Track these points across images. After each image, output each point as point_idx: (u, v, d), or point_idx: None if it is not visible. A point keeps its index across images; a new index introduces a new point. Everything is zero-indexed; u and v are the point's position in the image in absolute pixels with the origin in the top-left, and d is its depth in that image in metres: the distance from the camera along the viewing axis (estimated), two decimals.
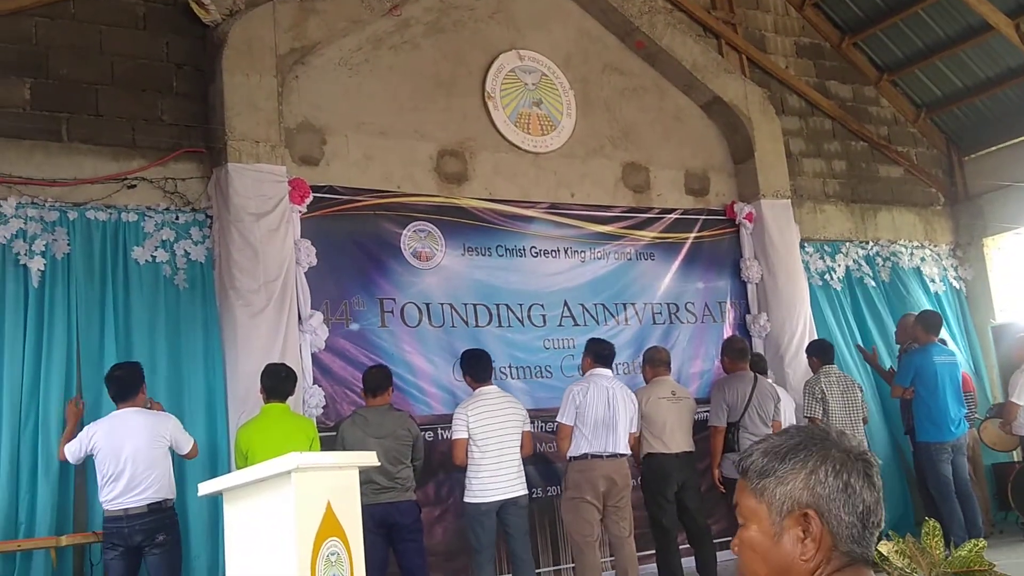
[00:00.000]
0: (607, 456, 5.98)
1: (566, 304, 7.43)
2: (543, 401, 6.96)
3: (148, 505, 5.03)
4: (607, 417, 5.98)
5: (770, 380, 7.27)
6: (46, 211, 5.67)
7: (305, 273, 6.31)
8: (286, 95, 6.50)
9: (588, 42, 8.04)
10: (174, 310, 5.94)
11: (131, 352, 5.67)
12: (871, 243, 9.22)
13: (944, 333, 8.47)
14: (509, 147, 7.42)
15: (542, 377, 7.20)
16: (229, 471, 5.37)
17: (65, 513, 5.43)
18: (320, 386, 6.25)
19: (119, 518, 5.00)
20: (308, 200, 6.41)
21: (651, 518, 6.44)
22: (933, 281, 9.44)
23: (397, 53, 7.10)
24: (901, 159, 9.78)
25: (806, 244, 8.70)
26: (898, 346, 8.32)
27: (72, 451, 5.10)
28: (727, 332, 8.05)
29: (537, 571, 6.33)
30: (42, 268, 5.57)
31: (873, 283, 9.03)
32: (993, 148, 9.73)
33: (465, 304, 7.01)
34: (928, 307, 8.68)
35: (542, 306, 7.32)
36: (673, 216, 8.08)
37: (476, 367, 6.00)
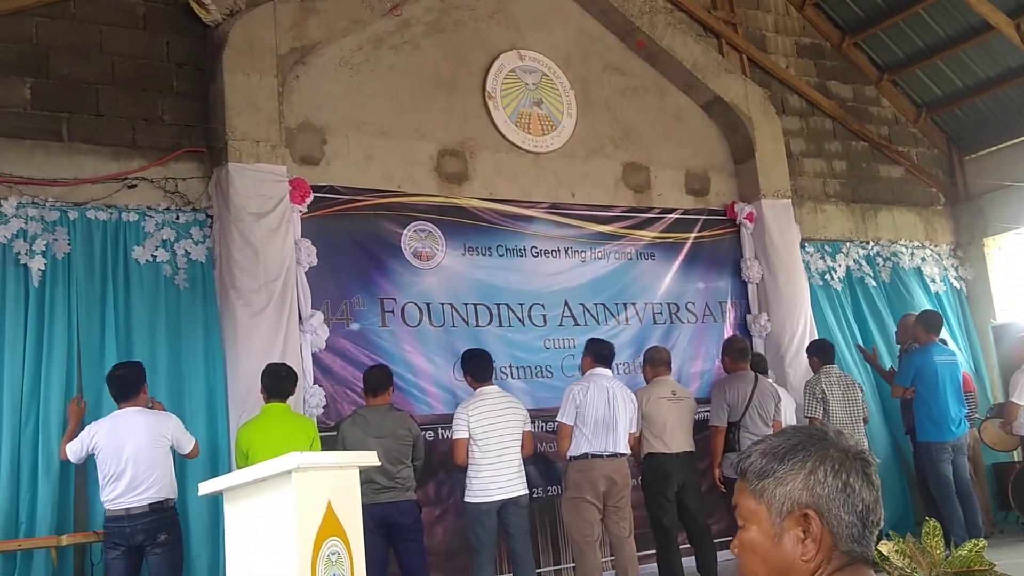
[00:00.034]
0: (607, 456, 5.98)
1: (567, 304, 7.44)
2: (543, 401, 6.96)
3: (150, 505, 5.03)
4: (607, 417, 5.98)
5: (771, 380, 7.27)
6: (47, 211, 5.67)
7: (306, 273, 6.31)
8: (287, 95, 6.51)
9: (588, 42, 8.04)
10: (175, 310, 5.94)
11: (132, 352, 5.67)
12: (872, 243, 9.22)
13: (944, 333, 8.46)
14: (510, 147, 7.42)
15: (542, 377, 7.20)
16: (230, 471, 5.37)
17: (66, 513, 5.44)
18: (320, 386, 6.25)
19: (121, 518, 5.00)
20: (309, 200, 6.42)
21: (651, 518, 6.44)
22: (934, 281, 9.44)
23: (398, 53, 7.10)
24: (902, 159, 9.78)
25: (807, 244, 8.70)
26: (899, 346, 8.32)
27: (73, 450, 5.10)
28: (728, 332, 8.05)
29: (538, 571, 6.34)
30: (43, 268, 5.57)
31: (874, 283, 9.03)
32: (994, 148, 9.73)
33: (466, 304, 7.02)
34: (929, 307, 8.68)
35: (543, 306, 7.33)
36: (674, 216, 8.08)
37: (477, 367, 6.00)
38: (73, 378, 5.58)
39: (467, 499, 5.82)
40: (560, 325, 7.37)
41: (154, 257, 5.93)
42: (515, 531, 5.85)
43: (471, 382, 6.02)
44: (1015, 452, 8.55)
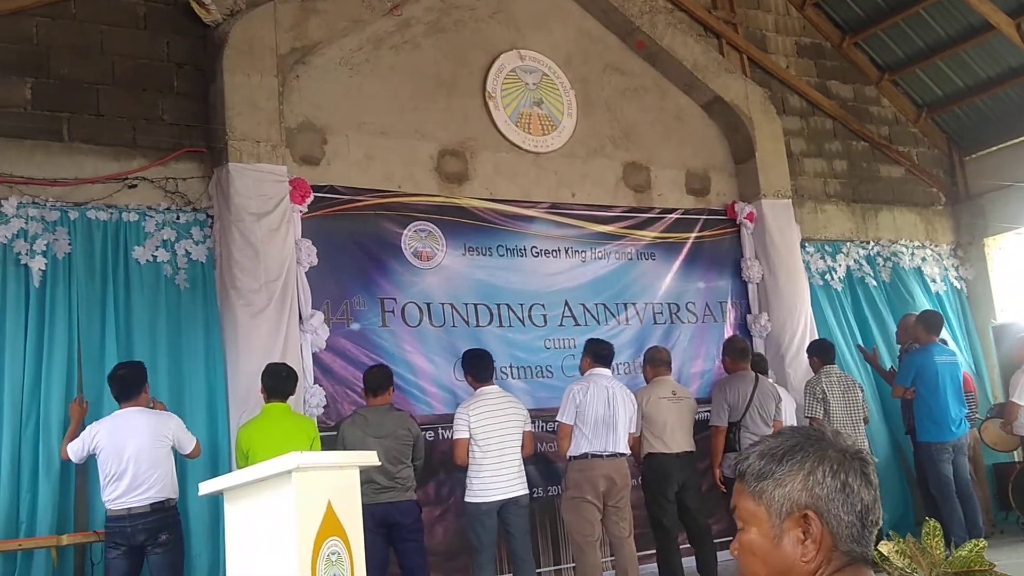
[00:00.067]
0: (607, 456, 5.98)
1: (567, 304, 7.44)
2: (544, 401, 6.96)
3: (151, 504, 5.04)
4: (607, 416, 5.98)
5: (771, 380, 7.27)
6: (47, 211, 5.67)
7: (306, 273, 6.31)
8: (287, 95, 6.51)
9: (589, 42, 8.04)
10: (175, 310, 5.94)
11: (132, 352, 5.68)
12: (872, 243, 9.22)
13: (945, 333, 8.46)
14: (510, 147, 7.42)
15: (543, 377, 7.21)
16: (230, 470, 5.37)
17: (66, 512, 5.44)
18: (321, 386, 6.25)
19: (122, 517, 5.00)
20: (309, 200, 6.42)
21: (651, 518, 6.44)
22: (934, 281, 9.44)
23: (398, 53, 7.10)
24: (902, 159, 9.78)
25: (807, 244, 8.70)
26: (899, 346, 8.32)
27: (75, 450, 5.10)
28: (728, 332, 8.05)
29: (538, 571, 6.34)
30: (43, 268, 5.57)
31: (874, 283, 9.03)
32: (994, 148, 9.73)
33: (466, 304, 7.02)
34: (929, 307, 8.68)
35: (543, 306, 7.33)
36: (674, 216, 8.08)
37: (478, 367, 6.00)
38: (73, 378, 5.58)
39: (467, 499, 5.82)
40: (560, 325, 7.37)
41: (154, 257, 5.93)
42: (515, 531, 5.85)
43: (471, 382, 6.02)
44: (1015, 452, 8.54)
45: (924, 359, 7.50)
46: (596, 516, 5.96)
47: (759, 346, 8.08)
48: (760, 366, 7.23)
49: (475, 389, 5.98)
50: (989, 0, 8.62)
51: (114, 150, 6.01)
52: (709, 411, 6.93)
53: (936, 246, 9.67)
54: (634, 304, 7.75)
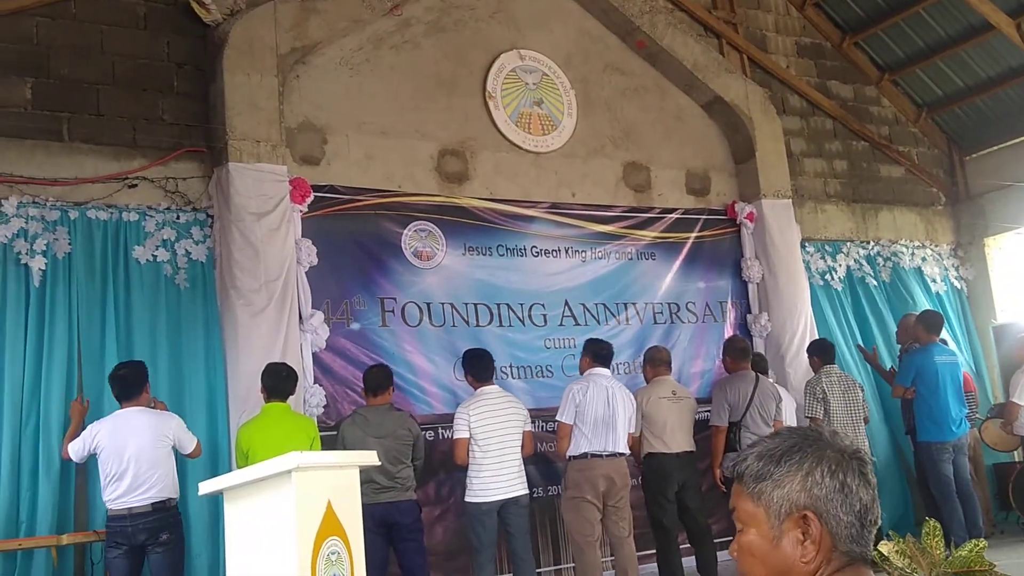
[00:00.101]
0: (607, 455, 5.98)
1: (567, 304, 7.44)
2: (544, 401, 6.96)
3: (152, 504, 5.04)
4: (607, 416, 5.98)
5: (771, 380, 7.27)
6: (47, 210, 5.67)
7: (306, 272, 6.31)
8: (287, 95, 6.51)
9: (589, 42, 8.04)
10: (175, 309, 5.94)
11: (132, 351, 5.68)
12: (872, 243, 9.22)
13: (945, 333, 8.46)
14: (510, 147, 7.42)
15: (543, 377, 7.21)
16: (230, 470, 5.37)
17: (66, 512, 5.44)
18: (321, 385, 6.25)
19: (123, 517, 5.00)
20: (309, 200, 6.42)
21: (652, 518, 6.44)
22: (934, 281, 9.44)
23: (398, 53, 7.10)
24: (902, 159, 9.78)
25: (807, 244, 8.70)
26: (899, 346, 8.32)
27: (75, 450, 5.10)
28: (728, 332, 8.05)
29: (538, 570, 6.34)
30: (43, 267, 5.57)
31: (874, 283, 9.03)
32: (994, 148, 9.73)
33: (466, 304, 7.02)
34: (929, 307, 8.68)
35: (543, 306, 7.33)
36: (674, 216, 8.08)
37: (478, 367, 6.00)
38: (74, 378, 5.58)
39: (467, 499, 5.82)
40: (560, 325, 7.37)
41: (154, 257, 5.93)
42: (515, 531, 5.85)
43: (472, 382, 6.02)
44: (1016, 452, 8.54)
45: (924, 359, 7.50)
46: (596, 516, 5.96)
47: (759, 346, 8.08)
48: (760, 366, 7.23)
49: (475, 389, 5.98)
50: (989, 0, 8.62)
51: (114, 150, 6.01)
52: (709, 411, 6.93)
53: (936, 246, 9.67)
54: (634, 304, 7.75)
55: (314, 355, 6.27)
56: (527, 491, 5.93)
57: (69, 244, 5.69)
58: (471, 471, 5.80)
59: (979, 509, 7.46)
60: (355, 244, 6.66)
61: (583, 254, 7.61)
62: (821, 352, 7.44)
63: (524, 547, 5.89)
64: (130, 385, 5.19)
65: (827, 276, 8.78)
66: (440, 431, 6.56)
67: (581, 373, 6.30)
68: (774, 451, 1.58)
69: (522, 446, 5.90)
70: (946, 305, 9.31)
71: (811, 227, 8.86)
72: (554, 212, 7.53)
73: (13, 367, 5.44)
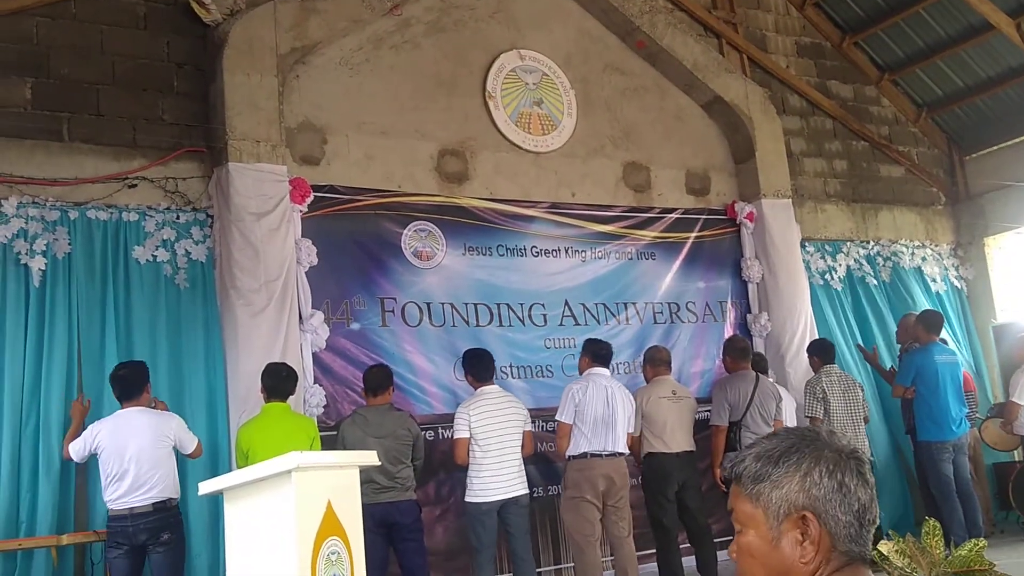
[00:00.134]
0: (606, 455, 5.98)
1: (567, 304, 7.44)
2: (544, 400, 6.96)
3: (153, 504, 5.04)
4: (606, 415, 5.98)
5: (771, 379, 7.27)
6: (47, 211, 5.67)
7: (306, 272, 6.31)
8: (287, 95, 6.51)
9: (589, 42, 8.04)
10: (175, 309, 5.94)
11: (132, 351, 5.68)
12: (872, 243, 9.22)
13: (945, 333, 8.46)
14: (510, 147, 7.42)
15: (543, 376, 7.21)
16: (230, 470, 5.37)
17: (66, 512, 5.44)
18: (321, 385, 6.25)
19: (124, 517, 5.01)
20: (309, 200, 6.42)
21: (652, 518, 6.44)
22: (934, 280, 9.44)
23: (398, 53, 7.10)
24: (902, 159, 9.78)
25: (807, 244, 8.70)
26: (899, 346, 8.32)
27: (76, 449, 5.11)
28: (728, 332, 8.05)
29: (538, 570, 6.34)
30: (43, 268, 5.57)
31: (874, 282, 9.03)
32: (994, 147, 9.73)
33: (466, 304, 7.02)
34: (929, 307, 8.68)
35: (543, 305, 7.33)
36: (674, 216, 8.08)
37: (478, 367, 6.00)
38: (73, 378, 5.59)
39: (468, 499, 5.82)
40: (560, 325, 7.37)
41: (154, 257, 5.93)
42: (515, 531, 5.85)
43: (472, 382, 6.02)
44: (1016, 452, 8.54)
45: (924, 359, 7.50)
46: (595, 515, 5.96)
47: (759, 346, 8.08)
48: (760, 366, 7.24)
49: (475, 389, 5.98)
50: (989, 0, 8.62)
51: (114, 150, 6.01)
52: (709, 411, 6.93)
53: (936, 246, 9.67)
54: (634, 304, 7.75)
55: (314, 355, 6.27)
56: (527, 491, 5.93)
57: (69, 244, 5.69)
58: (471, 471, 5.80)
59: (979, 509, 7.46)
60: (355, 244, 6.67)
61: (583, 254, 7.61)
62: (821, 352, 7.43)
63: (524, 547, 5.90)
64: (131, 385, 5.19)
65: (827, 276, 8.78)
66: (440, 431, 6.57)
67: (580, 373, 6.30)
68: (772, 452, 1.58)
69: (522, 446, 5.90)
70: (946, 305, 9.31)
71: (811, 227, 8.86)
72: (554, 212, 7.53)
73: (13, 367, 5.44)
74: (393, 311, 6.71)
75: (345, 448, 5.45)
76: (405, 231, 6.86)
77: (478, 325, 7.02)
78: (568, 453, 6.03)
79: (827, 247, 8.91)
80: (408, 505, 5.57)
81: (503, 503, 5.76)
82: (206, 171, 6.25)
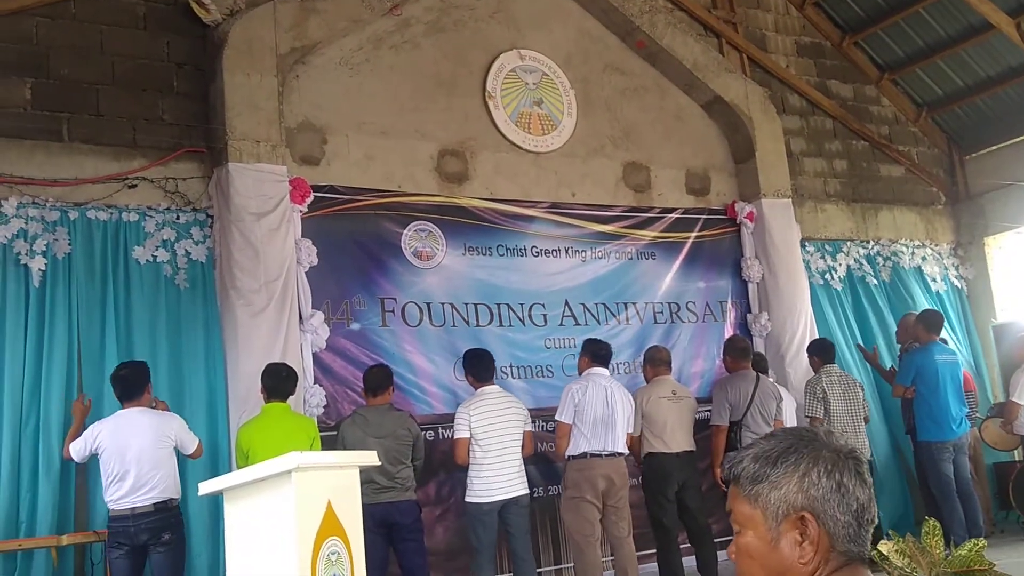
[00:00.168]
0: (606, 455, 5.98)
1: (567, 304, 7.44)
2: (544, 400, 6.96)
3: (154, 504, 5.04)
4: (605, 415, 5.98)
5: (771, 379, 7.27)
6: (47, 211, 5.67)
7: (306, 273, 6.31)
8: (287, 95, 6.51)
9: (589, 42, 8.04)
10: (175, 310, 5.94)
11: (132, 352, 5.68)
12: (872, 242, 9.22)
13: (945, 332, 8.47)
14: (510, 147, 7.42)
15: (543, 377, 7.21)
16: (230, 470, 5.37)
17: (66, 512, 5.44)
18: (321, 385, 6.25)
19: (125, 517, 5.01)
20: (309, 200, 6.42)
21: (652, 517, 6.44)
22: (934, 280, 9.44)
23: (398, 53, 7.10)
24: (902, 158, 9.78)
25: (807, 243, 8.70)
26: (899, 345, 8.32)
27: (77, 449, 5.10)
28: (728, 331, 8.06)
29: (538, 570, 6.34)
30: (43, 268, 5.57)
31: (874, 282, 9.04)
32: (994, 147, 9.73)
33: (466, 304, 7.02)
34: (929, 306, 8.68)
35: (543, 305, 7.33)
36: (674, 216, 8.08)
37: (479, 367, 6.00)
38: (74, 378, 5.59)
39: (468, 499, 5.82)
40: (560, 325, 7.37)
41: (154, 257, 5.93)
42: (516, 531, 5.85)
43: (472, 382, 6.02)
44: (1016, 451, 8.55)
45: (924, 358, 7.50)
46: (595, 515, 5.96)
47: (759, 346, 8.08)
48: (760, 365, 7.24)
49: (476, 389, 5.98)
50: (989, 0, 8.62)
51: (114, 150, 6.01)
52: (709, 410, 6.93)
53: (936, 245, 9.67)
54: (634, 304, 7.75)
55: (314, 355, 6.27)
56: (528, 491, 5.93)
57: (69, 244, 5.69)
58: (472, 471, 5.80)
59: (979, 508, 7.46)
60: (355, 244, 6.67)
61: (583, 254, 7.61)
62: (821, 352, 7.43)
63: (524, 547, 5.90)
64: (132, 385, 5.19)
65: (827, 276, 8.78)
66: (440, 431, 6.57)
67: (580, 373, 6.30)
68: (770, 453, 1.58)
69: (522, 446, 5.90)
70: (946, 304, 9.31)
71: (811, 227, 8.86)
72: (554, 212, 7.53)
73: (13, 367, 5.44)
74: (393, 311, 6.71)
75: (345, 448, 5.45)
76: (405, 231, 6.86)
77: (478, 325, 7.02)
78: (568, 453, 6.03)
79: (827, 247, 8.91)
80: (408, 505, 5.57)
81: (504, 503, 5.76)
82: (206, 171, 6.25)
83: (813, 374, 7.43)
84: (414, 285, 6.84)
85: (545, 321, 7.32)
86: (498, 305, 7.14)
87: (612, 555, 6.13)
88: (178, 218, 6.08)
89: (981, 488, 8.22)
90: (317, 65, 6.74)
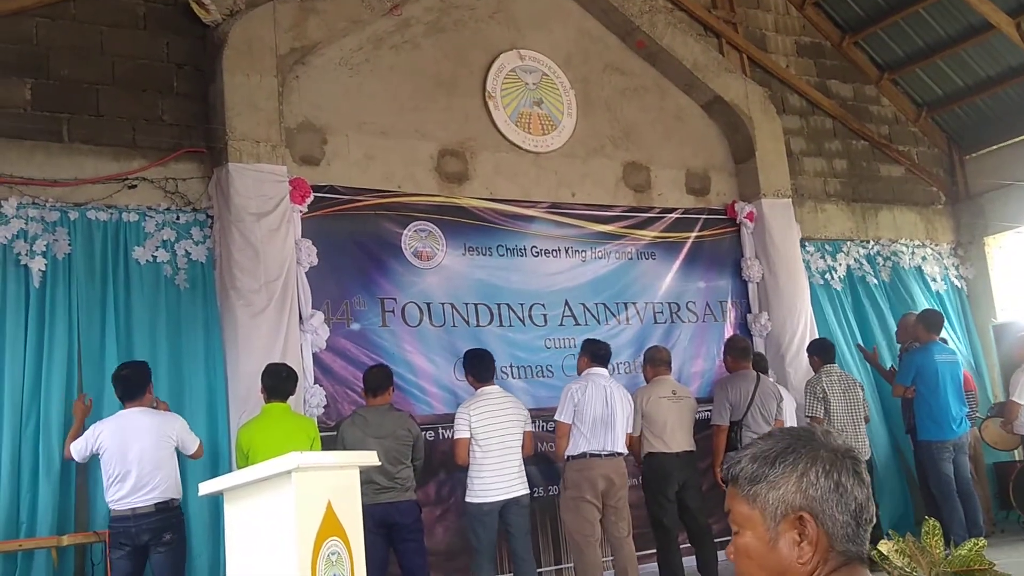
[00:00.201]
0: (605, 455, 5.98)
1: (567, 304, 7.44)
2: (544, 400, 6.96)
3: (155, 505, 5.05)
4: (605, 416, 5.98)
5: (772, 379, 7.27)
6: (47, 211, 5.67)
7: (306, 273, 6.31)
8: (287, 95, 6.51)
9: (589, 42, 8.04)
10: (175, 310, 5.94)
11: (132, 352, 5.68)
12: (872, 242, 9.22)
13: (945, 332, 8.47)
14: (510, 147, 7.42)
15: (543, 377, 7.21)
16: (230, 471, 5.37)
17: (66, 513, 5.44)
18: (321, 386, 6.25)
19: (127, 518, 5.01)
20: (309, 200, 6.42)
21: (652, 517, 6.44)
22: (934, 280, 9.44)
23: (398, 53, 7.10)
24: (902, 158, 9.78)
25: (807, 243, 8.70)
26: (899, 345, 8.32)
27: (78, 449, 5.10)
28: (728, 331, 8.06)
29: (539, 570, 6.33)
30: (43, 268, 5.57)
31: (874, 282, 9.04)
32: (994, 147, 9.73)
33: (466, 304, 7.02)
34: (929, 306, 8.68)
35: (543, 306, 7.33)
36: (674, 215, 8.08)
37: (479, 367, 6.01)
38: (74, 378, 5.59)
39: (469, 499, 5.82)
40: (561, 325, 7.37)
41: (154, 257, 5.93)
42: (516, 531, 5.85)
43: (472, 382, 6.02)
44: (1016, 451, 8.55)
45: (924, 358, 7.50)
46: (595, 515, 5.96)
47: (759, 345, 8.08)
48: (760, 365, 7.24)
49: (476, 389, 5.98)
50: (989, 0, 8.62)
51: (114, 150, 6.01)
52: (710, 410, 6.94)
53: (936, 245, 9.67)
54: (634, 304, 7.75)
55: (314, 355, 6.27)
56: (528, 491, 5.94)
57: (69, 245, 5.69)
58: (472, 471, 5.80)
59: (979, 508, 7.47)
60: (355, 244, 6.67)
61: (583, 254, 7.61)
62: (821, 351, 7.43)
63: (525, 547, 5.90)
64: (133, 386, 5.19)
65: (827, 275, 8.78)
66: (440, 431, 6.57)
67: (579, 373, 6.30)
68: (768, 453, 1.58)
69: (523, 446, 5.90)
70: (946, 304, 9.31)
71: (811, 226, 8.86)
72: (554, 212, 7.53)
73: (13, 368, 5.44)
74: (393, 311, 6.71)
75: (345, 448, 5.45)
76: (405, 231, 6.86)
77: (478, 325, 7.02)
78: (567, 453, 6.03)
79: (827, 247, 8.91)
80: (408, 505, 5.57)
81: (504, 503, 5.76)
82: (206, 171, 6.25)
83: (813, 374, 7.43)
84: (414, 285, 6.84)
85: (545, 321, 7.32)
86: (498, 305, 7.14)
87: (612, 555, 6.13)
88: (178, 218, 6.08)
89: (981, 488, 8.22)
90: (317, 65, 6.74)
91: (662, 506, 6.36)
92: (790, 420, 7.11)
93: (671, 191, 8.17)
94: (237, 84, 6.20)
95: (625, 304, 7.71)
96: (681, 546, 6.44)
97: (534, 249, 7.40)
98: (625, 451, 6.17)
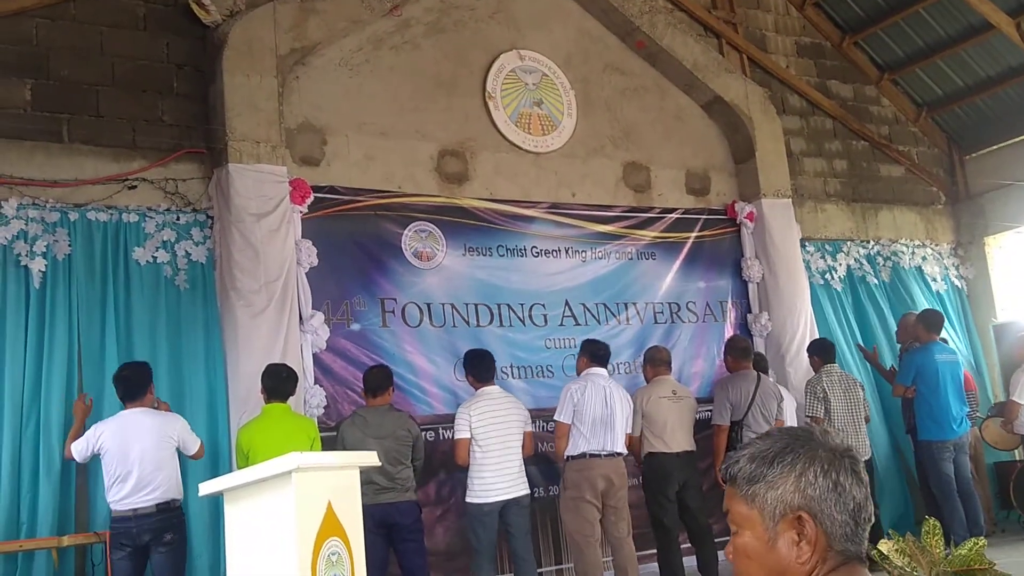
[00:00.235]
0: (605, 455, 5.98)
1: (567, 304, 7.44)
2: (544, 401, 6.96)
3: (156, 505, 5.05)
4: (604, 416, 5.98)
5: (772, 379, 7.27)
6: (47, 212, 5.68)
7: (306, 273, 6.32)
8: (287, 95, 6.51)
9: (589, 42, 8.04)
10: (175, 311, 5.94)
11: (132, 353, 5.68)
12: (872, 242, 9.22)
13: (945, 332, 8.47)
14: (510, 147, 7.42)
15: (543, 377, 7.21)
16: (230, 471, 5.37)
17: (67, 513, 5.44)
18: (321, 386, 6.25)
19: (128, 518, 5.01)
20: (309, 200, 6.42)
21: (652, 517, 6.44)
22: (934, 280, 9.44)
23: (398, 53, 7.11)
24: (902, 158, 9.78)
25: (807, 243, 8.70)
26: (899, 345, 8.32)
27: (79, 449, 5.10)
28: (728, 331, 8.06)
29: (539, 570, 6.33)
30: (43, 269, 5.58)
31: (874, 282, 9.04)
32: (994, 147, 9.73)
33: (466, 304, 7.02)
34: (929, 306, 8.68)
35: (543, 306, 7.33)
36: (674, 216, 8.08)
37: (479, 367, 6.01)
38: (74, 379, 5.59)
39: (469, 499, 5.82)
40: (561, 325, 7.37)
41: (154, 258, 5.94)
42: (516, 531, 5.85)
43: (473, 382, 6.03)
44: (1016, 451, 8.55)
45: (925, 358, 7.51)
46: (595, 515, 5.96)
47: (759, 345, 8.07)
48: (760, 365, 7.23)
49: (476, 389, 5.98)
50: (989, 0, 8.62)
51: (114, 151, 6.01)
52: (710, 410, 6.94)
53: (936, 245, 9.67)
54: (634, 304, 7.75)
55: (314, 356, 6.28)
56: (528, 491, 5.94)
57: (69, 246, 5.70)
58: (472, 472, 5.80)
59: (980, 508, 7.47)
60: (355, 245, 6.67)
61: (583, 254, 7.61)
62: (821, 351, 7.43)
63: (525, 547, 5.90)
64: (134, 386, 5.19)
65: (827, 275, 8.78)
66: (440, 432, 6.57)
67: (578, 373, 6.30)
68: (766, 453, 1.58)
69: (523, 446, 5.91)
70: (946, 304, 9.31)
71: (811, 226, 8.86)
72: (554, 212, 7.53)
73: (13, 369, 5.45)
74: (393, 311, 6.71)
75: (345, 449, 5.45)
76: (405, 231, 6.86)
77: (478, 325, 7.02)
78: (567, 453, 6.03)
79: (827, 247, 8.91)
80: (408, 506, 5.57)
81: (504, 504, 5.77)
82: (206, 172, 6.25)
83: (813, 374, 7.43)
84: (414, 285, 6.84)
85: (545, 321, 7.32)
86: (498, 305, 7.14)
87: (612, 555, 6.13)
88: (178, 219, 6.08)
89: (982, 487, 8.22)
90: (317, 66, 6.74)
91: (662, 506, 6.36)
92: (790, 420, 7.11)
93: (671, 191, 8.17)
94: (237, 85, 6.20)
95: (625, 304, 7.71)
96: (681, 546, 6.43)
97: (534, 249, 7.40)
98: (625, 451, 6.17)
